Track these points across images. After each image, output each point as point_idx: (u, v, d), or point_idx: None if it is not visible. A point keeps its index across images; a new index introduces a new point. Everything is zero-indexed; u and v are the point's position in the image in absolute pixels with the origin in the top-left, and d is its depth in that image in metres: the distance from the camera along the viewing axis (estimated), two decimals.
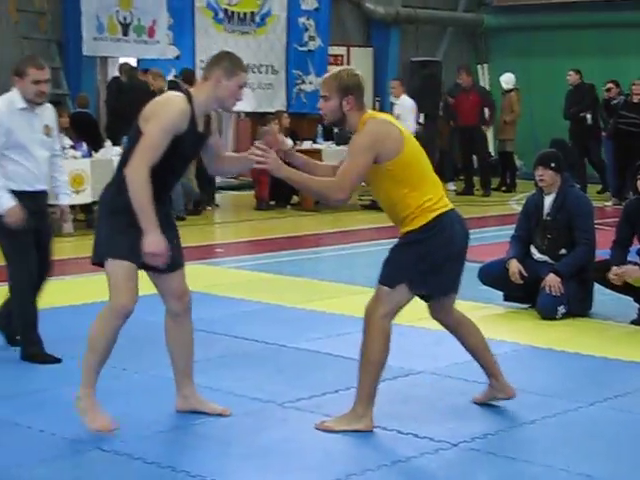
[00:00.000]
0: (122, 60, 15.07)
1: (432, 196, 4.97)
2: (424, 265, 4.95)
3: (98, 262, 4.95)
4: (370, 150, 4.86)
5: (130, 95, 13.30)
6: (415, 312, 7.55)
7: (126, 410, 5.16)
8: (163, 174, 4.83)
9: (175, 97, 4.92)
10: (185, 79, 13.90)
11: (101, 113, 15.41)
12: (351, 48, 19.57)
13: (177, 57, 15.99)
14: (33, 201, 6.23)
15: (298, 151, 15.21)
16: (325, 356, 6.36)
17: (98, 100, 15.53)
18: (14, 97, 6.24)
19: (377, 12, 19.56)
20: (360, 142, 4.89)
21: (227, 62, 4.95)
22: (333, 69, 5.28)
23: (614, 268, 7.36)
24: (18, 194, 6.16)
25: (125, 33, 15.25)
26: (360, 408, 4.96)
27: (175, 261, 4.99)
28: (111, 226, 4.89)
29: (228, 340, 6.73)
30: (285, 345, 6.59)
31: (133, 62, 15.31)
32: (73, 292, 8.40)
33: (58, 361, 6.18)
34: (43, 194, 6.38)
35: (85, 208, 12.51)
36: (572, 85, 16.37)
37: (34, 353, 6.24)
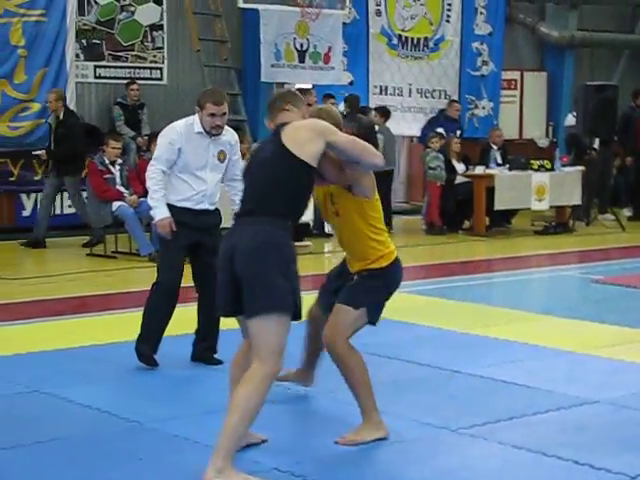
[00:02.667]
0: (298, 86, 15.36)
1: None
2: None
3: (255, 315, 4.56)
4: None
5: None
6: (591, 340, 7.54)
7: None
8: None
9: None
10: (350, 105, 14.15)
11: None
12: (525, 72, 19.43)
13: (351, 83, 16.22)
14: (195, 218, 6.63)
15: (470, 176, 15.18)
16: (498, 383, 6.32)
17: None
18: (194, 121, 6.61)
19: (552, 36, 19.35)
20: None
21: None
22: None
23: None
24: (180, 209, 6.60)
25: (301, 60, 15.57)
26: (375, 416, 5.16)
27: None
28: (275, 266, 4.58)
29: (400, 364, 6.77)
30: (458, 371, 6.59)
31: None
32: None
33: (156, 365, 6.62)
34: (207, 213, 6.71)
35: None
36: None
37: (144, 354, 6.64)
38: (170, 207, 6.63)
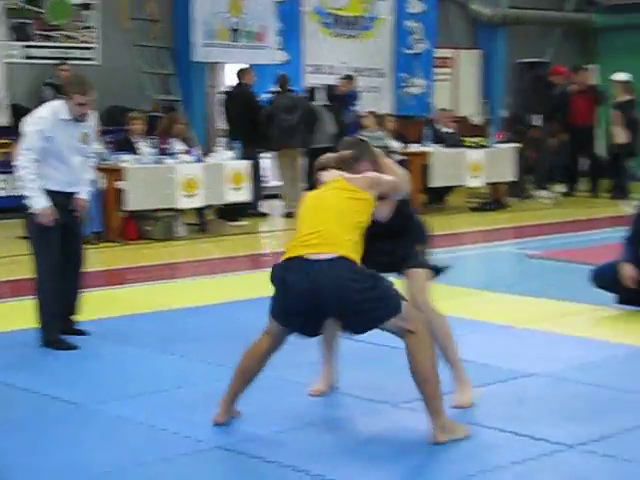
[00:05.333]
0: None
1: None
2: None
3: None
4: None
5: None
6: (528, 315, 7.62)
7: (246, 410, 5.27)
8: None
9: None
10: (280, 84, 14.15)
11: (212, 118, 15.66)
12: (458, 50, 19.53)
13: (286, 62, 16.17)
14: (65, 200, 6.86)
15: (405, 154, 15.18)
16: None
17: (208, 106, 15.78)
18: (59, 108, 6.84)
19: (483, 14, 19.48)
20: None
21: None
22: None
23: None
24: (52, 193, 6.79)
25: (234, 39, 15.48)
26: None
27: None
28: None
29: (345, 341, 6.76)
30: (396, 347, 6.53)
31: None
32: (184, 294, 8.60)
33: (74, 348, 6.68)
34: (75, 195, 6.98)
35: (198, 212, 12.73)
36: None
37: (53, 340, 6.75)
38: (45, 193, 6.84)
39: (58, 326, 6.86)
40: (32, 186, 6.73)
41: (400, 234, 5.53)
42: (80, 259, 7.09)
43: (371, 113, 14.82)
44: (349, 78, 15.59)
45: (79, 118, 6.84)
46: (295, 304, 4.84)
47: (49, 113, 6.82)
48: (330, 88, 15.41)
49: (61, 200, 6.83)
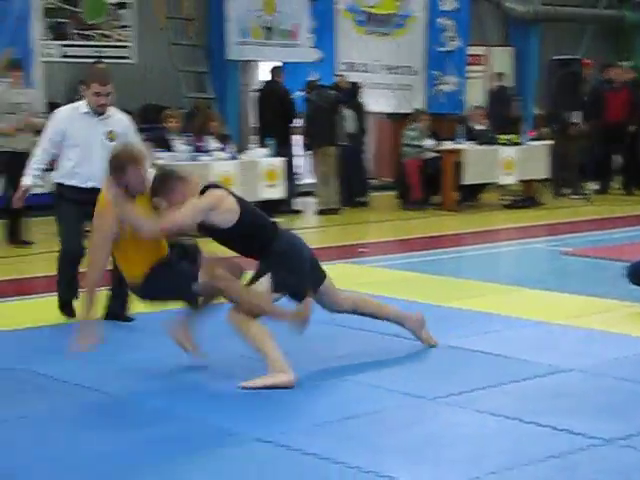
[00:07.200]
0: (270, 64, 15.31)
1: None
2: None
3: None
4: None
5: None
6: (562, 311, 7.65)
7: (285, 404, 5.34)
8: None
9: None
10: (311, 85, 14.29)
11: (246, 116, 15.76)
12: (491, 48, 19.52)
13: (319, 60, 16.23)
14: (81, 195, 7.05)
15: (438, 151, 15.20)
16: (473, 353, 6.41)
17: (242, 104, 15.88)
18: (80, 104, 7.19)
19: (516, 11, 19.46)
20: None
21: None
22: None
23: None
24: (71, 189, 7.12)
25: (268, 37, 15.56)
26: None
27: None
28: None
29: (374, 336, 6.80)
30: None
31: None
32: None
33: (73, 315, 7.14)
34: (95, 190, 6.97)
35: None
36: None
37: (65, 303, 7.33)
38: (60, 185, 7.16)
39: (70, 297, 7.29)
40: (30, 166, 7.20)
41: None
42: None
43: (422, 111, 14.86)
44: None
45: (97, 110, 7.06)
46: None
47: (67, 108, 7.23)
48: (354, 85, 15.45)
49: (81, 196, 7.00)
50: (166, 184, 5.80)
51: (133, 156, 5.86)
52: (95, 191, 6.93)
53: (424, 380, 5.82)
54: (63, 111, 7.24)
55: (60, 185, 7.21)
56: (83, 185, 7.09)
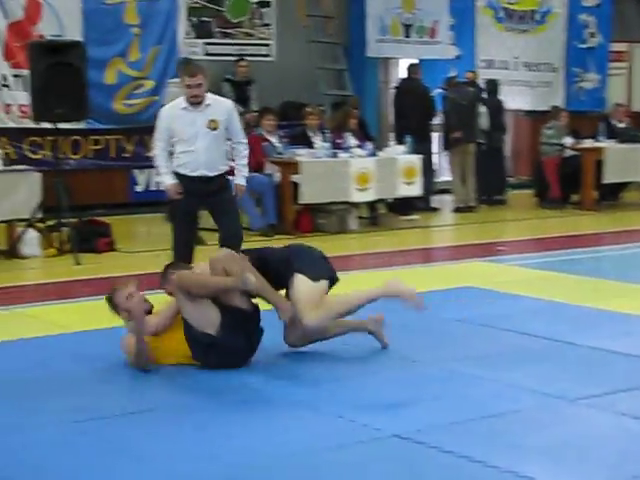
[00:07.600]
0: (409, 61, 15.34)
1: None
2: None
3: None
4: None
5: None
6: None
7: (421, 401, 5.38)
8: None
9: None
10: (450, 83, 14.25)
11: (384, 113, 15.82)
12: (633, 44, 19.12)
13: (457, 57, 16.19)
14: (191, 184, 7.57)
15: (578, 149, 14.93)
16: (615, 354, 6.33)
17: (381, 100, 15.95)
18: (180, 100, 7.52)
19: None
20: None
21: None
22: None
23: None
24: (182, 177, 7.59)
25: (407, 34, 15.59)
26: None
27: None
28: None
29: (514, 336, 6.80)
30: (573, 342, 6.61)
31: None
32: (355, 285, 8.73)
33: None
34: (205, 179, 7.58)
35: (370, 206, 12.91)
36: None
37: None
38: (175, 174, 7.64)
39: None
40: (160, 169, 7.69)
41: None
42: (233, 235, 7.60)
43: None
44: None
45: (192, 101, 7.44)
46: None
47: (169, 105, 7.69)
48: (492, 82, 15.35)
49: (190, 184, 7.53)
50: None
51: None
52: (203, 179, 7.58)
53: (563, 380, 5.77)
54: (165, 110, 7.72)
55: (175, 174, 7.67)
56: (192, 174, 7.54)
